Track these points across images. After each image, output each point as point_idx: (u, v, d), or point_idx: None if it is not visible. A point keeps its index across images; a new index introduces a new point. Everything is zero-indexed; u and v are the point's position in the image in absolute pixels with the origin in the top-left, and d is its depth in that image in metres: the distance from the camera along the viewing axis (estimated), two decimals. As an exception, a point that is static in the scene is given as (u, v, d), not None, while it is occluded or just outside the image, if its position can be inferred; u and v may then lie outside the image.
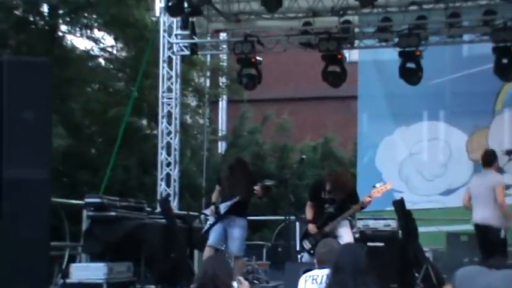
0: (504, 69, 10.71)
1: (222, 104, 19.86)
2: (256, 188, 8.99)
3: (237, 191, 9.03)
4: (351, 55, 15.92)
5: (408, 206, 11.23)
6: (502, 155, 10.13)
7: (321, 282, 5.22)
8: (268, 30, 11.83)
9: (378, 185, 8.65)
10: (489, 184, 9.34)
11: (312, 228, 8.73)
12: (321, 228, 8.69)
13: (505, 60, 10.58)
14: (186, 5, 10.32)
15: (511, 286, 4.85)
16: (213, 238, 9.03)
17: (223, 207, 9.00)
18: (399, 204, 10.62)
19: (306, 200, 9.29)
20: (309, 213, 8.90)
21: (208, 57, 16.72)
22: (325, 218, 8.72)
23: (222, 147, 19.16)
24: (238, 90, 15.82)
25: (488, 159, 9.55)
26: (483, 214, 9.28)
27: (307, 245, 8.82)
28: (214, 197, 9.33)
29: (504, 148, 11.28)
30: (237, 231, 9.06)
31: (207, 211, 9.32)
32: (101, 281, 8.78)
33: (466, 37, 11.79)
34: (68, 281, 8.87)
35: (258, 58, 11.61)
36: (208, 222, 9.28)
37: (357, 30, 11.65)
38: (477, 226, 9.40)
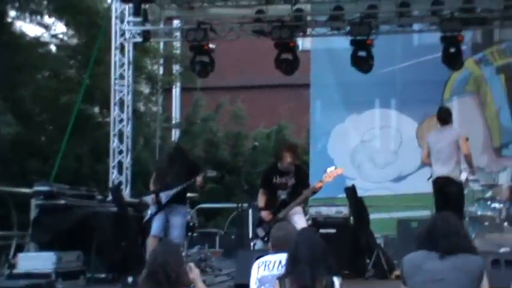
0: (452, 58, 10.89)
1: (176, 92, 19.77)
2: (198, 179, 9.00)
3: (177, 180, 9.01)
4: (303, 43, 16.01)
5: (360, 192, 11.36)
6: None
7: (272, 268, 5.19)
8: (221, 17, 11.78)
9: (328, 169, 8.68)
10: (450, 139, 9.37)
11: (265, 215, 8.75)
12: (274, 214, 8.72)
13: (452, 50, 10.75)
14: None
15: (458, 274, 4.90)
16: (155, 227, 9.02)
17: (164, 197, 9.00)
18: (351, 191, 10.74)
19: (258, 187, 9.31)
20: (261, 201, 8.91)
21: (162, 44, 16.63)
22: (278, 205, 8.74)
23: (175, 134, 19.09)
24: (191, 77, 15.76)
25: (445, 117, 9.67)
26: (444, 169, 9.32)
27: (261, 232, 8.84)
28: (152, 184, 9.29)
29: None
30: (179, 219, 9.09)
31: (148, 199, 9.28)
32: (49, 270, 8.60)
33: (415, 26, 11.94)
34: (14, 271, 8.70)
35: (210, 46, 11.58)
36: (149, 212, 9.27)
37: (309, 18, 11.69)
38: (437, 180, 9.38)
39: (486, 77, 13.17)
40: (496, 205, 10.06)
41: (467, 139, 9.32)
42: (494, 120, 13.01)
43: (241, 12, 11.59)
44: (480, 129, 13.04)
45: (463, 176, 9.63)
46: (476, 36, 13.30)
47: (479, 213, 10.08)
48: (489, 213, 10.02)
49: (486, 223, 10.01)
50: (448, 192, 9.20)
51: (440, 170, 9.35)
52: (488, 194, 10.37)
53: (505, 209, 10.00)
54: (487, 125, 13.06)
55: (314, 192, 8.83)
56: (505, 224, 9.90)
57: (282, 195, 8.76)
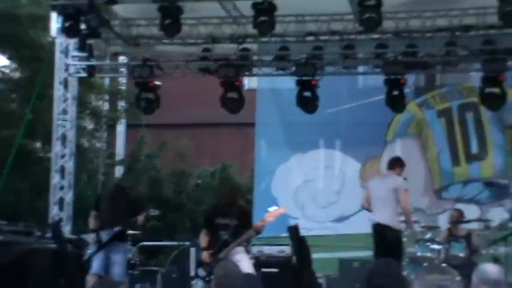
0: (395, 101, 11.08)
1: (121, 128, 19.62)
2: (140, 218, 8.98)
3: (118, 218, 8.97)
4: (249, 82, 16.13)
5: (303, 232, 11.37)
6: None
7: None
8: (167, 55, 11.79)
9: (270, 209, 8.75)
10: (391, 186, 9.58)
11: (205, 256, 8.74)
12: (215, 255, 8.69)
13: (395, 92, 10.94)
14: (83, 26, 10.18)
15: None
16: (95, 265, 8.94)
17: (104, 235, 8.93)
18: (294, 231, 10.75)
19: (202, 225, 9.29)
20: (203, 241, 8.92)
21: (107, 80, 16.52)
22: (219, 245, 8.72)
23: (119, 171, 18.88)
24: (137, 114, 15.68)
25: (393, 163, 9.89)
26: (383, 215, 9.49)
27: (202, 272, 8.79)
28: (92, 223, 9.23)
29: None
30: (119, 257, 9.06)
31: (88, 237, 9.19)
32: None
33: (360, 68, 12.12)
34: None
35: (156, 83, 11.56)
36: (89, 251, 9.16)
37: (255, 58, 11.79)
38: (376, 226, 9.56)
39: (428, 120, 13.42)
40: (436, 246, 10.17)
41: (406, 190, 9.51)
42: (435, 163, 13.24)
43: (187, 50, 11.62)
44: (421, 171, 13.25)
45: (402, 224, 9.80)
46: (419, 80, 13.59)
47: (418, 254, 10.17)
48: (428, 254, 10.12)
49: (425, 264, 10.10)
50: (385, 240, 9.37)
51: (379, 216, 9.53)
52: (428, 235, 10.49)
53: (443, 250, 10.14)
54: (428, 168, 13.28)
55: (257, 232, 8.85)
56: (444, 265, 10.02)
57: (224, 235, 8.75)
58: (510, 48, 10.57)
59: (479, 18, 10.50)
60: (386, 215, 9.50)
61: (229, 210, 8.80)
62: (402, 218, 9.85)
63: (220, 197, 9.04)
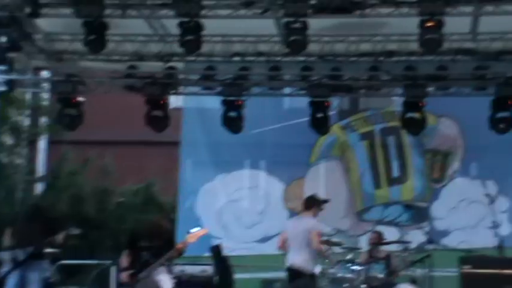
0: (319, 123, 11.24)
1: (42, 144, 19.20)
2: (58, 236, 8.87)
3: (35, 236, 8.84)
4: (175, 101, 16.05)
5: (226, 252, 11.38)
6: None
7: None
8: (91, 71, 11.64)
9: (193, 230, 8.74)
10: (304, 227, 9.68)
11: (124, 276, 8.69)
12: (135, 275, 8.62)
13: (319, 115, 11.10)
14: (4, 39, 9.95)
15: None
16: (11, 284, 8.78)
17: (21, 254, 8.77)
18: (216, 250, 10.77)
19: (124, 243, 9.22)
20: (124, 261, 8.85)
21: (29, 94, 16.18)
22: (140, 265, 8.67)
23: (39, 188, 18.45)
24: (60, 130, 15.38)
25: (308, 204, 9.96)
26: (296, 257, 9.58)
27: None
28: (8, 241, 9.03)
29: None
30: (36, 275, 8.97)
31: (3, 255, 8.98)
32: None
33: (286, 90, 12.23)
34: None
35: (79, 99, 11.40)
36: (3, 269, 8.96)
37: (181, 76, 11.76)
38: (290, 269, 9.65)
39: (351, 142, 13.62)
40: (356, 267, 10.30)
41: (318, 233, 9.61)
42: (357, 185, 13.44)
43: (112, 67, 11.51)
44: (344, 193, 13.42)
45: (317, 268, 9.91)
46: (343, 103, 13.79)
47: (339, 275, 10.27)
48: (349, 275, 10.23)
49: (345, 285, 10.21)
50: (297, 284, 9.47)
51: (292, 258, 9.61)
52: (349, 256, 10.61)
53: (363, 271, 10.28)
54: (350, 190, 13.46)
55: (178, 253, 8.85)
56: (363, 286, 10.15)
57: (146, 256, 8.70)
58: (430, 75, 10.87)
59: (402, 45, 10.78)
60: (299, 257, 9.59)
61: (153, 233, 8.78)
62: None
63: (145, 222, 8.99)
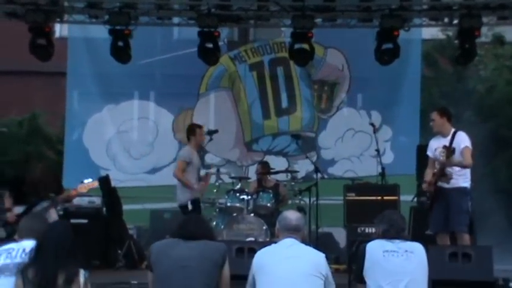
0: (208, 54, 11.18)
1: None
2: None
3: None
4: (61, 30, 15.56)
5: (114, 183, 11.31)
6: (204, 135, 10.61)
7: (15, 257, 5.04)
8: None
9: (85, 181, 8.81)
10: None
11: (10, 216, 8.54)
12: (21, 216, 8.46)
13: (208, 45, 11.04)
14: None
15: (201, 260, 5.16)
16: None
17: None
18: (104, 181, 10.69)
19: (9, 176, 9.03)
20: (7, 202, 8.69)
21: None
22: (25, 209, 8.53)
23: None
24: None
25: (186, 134, 10.18)
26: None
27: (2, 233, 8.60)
28: None
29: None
30: None
31: None
32: None
33: (175, 20, 12.07)
34: None
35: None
36: None
37: (66, 4, 11.37)
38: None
39: (240, 73, 13.66)
40: (245, 197, 10.49)
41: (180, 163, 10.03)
42: (246, 116, 13.54)
43: (-8, -8, 10.99)
44: (233, 123, 13.51)
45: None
46: (233, 34, 13.76)
47: (228, 204, 10.46)
48: (238, 204, 10.42)
49: (235, 214, 10.40)
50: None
51: None
52: (238, 186, 10.79)
53: (252, 200, 10.49)
54: (239, 120, 13.56)
55: (67, 201, 8.82)
56: (252, 215, 10.38)
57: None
58: (318, 6, 10.97)
59: (291, -24, 10.79)
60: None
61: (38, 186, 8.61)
62: None
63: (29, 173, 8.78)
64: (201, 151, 12.18)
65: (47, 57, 11.19)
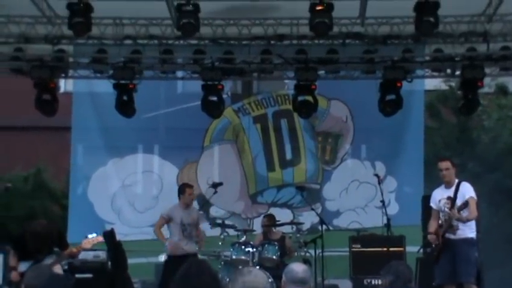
0: (212, 107, 11.26)
1: None
2: None
3: None
4: (66, 85, 15.71)
5: (119, 237, 11.26)
6: (208, 188, 10.63)
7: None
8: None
9: (90, 236, 8.75)
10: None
11: (14, 275, 8.47)
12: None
13: (212, 98, 11.12)
14: None
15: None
16: None
17: None
18: (109, 235, 10.62)
19: (14, 231, 9.00)
20: (12, 260, 8.64)
21: None
22: (30, 265, 8.47)
23: None
24: None
25: (178, 193, 10.48)
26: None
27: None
28: None
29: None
30: None
31: None
32: None
33: (179, 74, 12.19)
34: None
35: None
36: None
37: (71, 59, 11.51)
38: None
39: (244, 126, 13.71)
40: (250, 249, 10.43)
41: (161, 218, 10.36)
42: (250, 168, 13.55)
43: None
44: (238, 176, 13.51)
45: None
46: (236, 86, 13.87)
47: (234, 257, 10.39)
48: (243, 257, 10.35)
49: (240, 267, 10.31)
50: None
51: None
52: (243, 238, 10.73)
53: (257, 253, 10.42)
54: (244, 173, 13.56)
55: (71, 257, 8.89)
56: (257, 267, 10.28)
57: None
58: (321, 58, 11.07)
59: (293, 28, 10.92)
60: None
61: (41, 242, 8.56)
62: None
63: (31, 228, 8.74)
64: (205, 204, 12.22)
65: (52, 113, 11.28)
